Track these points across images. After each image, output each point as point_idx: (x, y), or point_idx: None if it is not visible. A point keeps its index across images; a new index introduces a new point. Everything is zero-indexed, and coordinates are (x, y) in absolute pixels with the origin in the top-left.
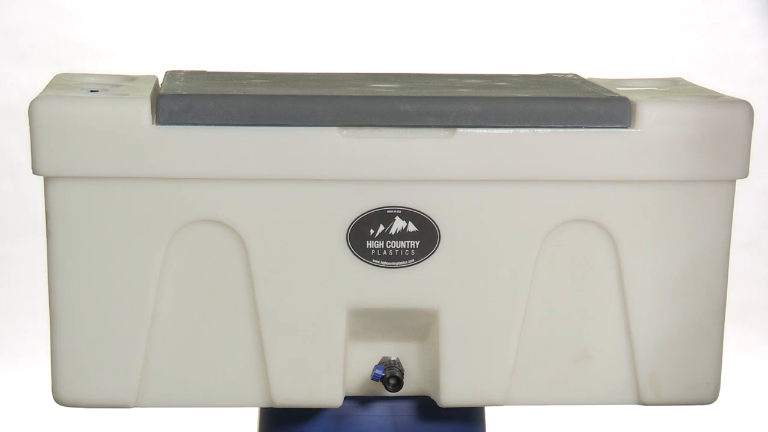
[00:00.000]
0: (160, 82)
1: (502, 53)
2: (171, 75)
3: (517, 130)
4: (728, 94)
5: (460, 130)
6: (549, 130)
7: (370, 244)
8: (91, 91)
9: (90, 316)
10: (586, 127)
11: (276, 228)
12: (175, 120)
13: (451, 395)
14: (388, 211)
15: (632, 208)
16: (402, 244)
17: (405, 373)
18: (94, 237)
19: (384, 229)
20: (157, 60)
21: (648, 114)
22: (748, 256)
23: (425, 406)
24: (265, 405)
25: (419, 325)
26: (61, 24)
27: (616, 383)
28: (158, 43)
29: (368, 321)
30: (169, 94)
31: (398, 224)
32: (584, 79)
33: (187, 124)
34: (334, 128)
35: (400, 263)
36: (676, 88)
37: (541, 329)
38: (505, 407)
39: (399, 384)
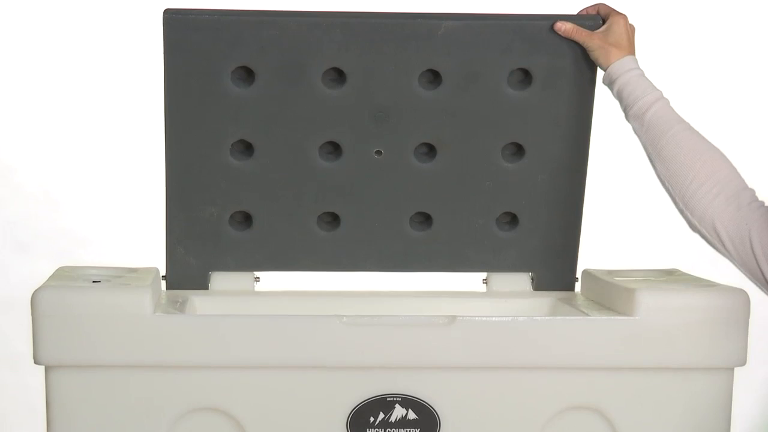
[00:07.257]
0: (162, 274)
1: None
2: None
3: (515, 318)
4: (724, 283)
5: (459, 318)
6: (547, 318)
7: None
8: (93, 281)
9: None
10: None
11: (276, 416)
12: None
13: None
14: (388, 399)
15: (631, 395)
16: None
17: None
18: (95, 426)
19: (384, 417)
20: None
21: (646, 302)
22: None
23: None
24: None
25: None
26: (62, 217)
27: None
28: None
29: None
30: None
31: (398, 412)
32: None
33: (188, 312)
34: (334, 316)
35: None
36: (672, 278)
37: None
38: None
39: None
